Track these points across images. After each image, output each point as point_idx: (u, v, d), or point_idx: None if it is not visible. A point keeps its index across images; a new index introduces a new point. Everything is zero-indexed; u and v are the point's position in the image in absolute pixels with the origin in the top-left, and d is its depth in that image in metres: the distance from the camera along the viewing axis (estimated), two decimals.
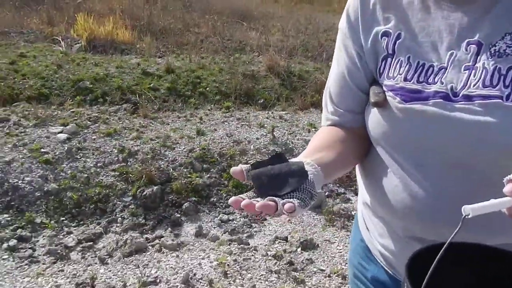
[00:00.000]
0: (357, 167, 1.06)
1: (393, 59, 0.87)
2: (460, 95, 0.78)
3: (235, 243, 3.18)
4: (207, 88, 5.29)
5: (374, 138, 0.93)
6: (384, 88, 0.88)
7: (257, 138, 4.27)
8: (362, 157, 1.00)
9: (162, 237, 3.22)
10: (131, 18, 7.30)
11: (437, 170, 0.83)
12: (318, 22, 8.44)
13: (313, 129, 4.59)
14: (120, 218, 3.34)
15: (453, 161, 0.82)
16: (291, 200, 0.69)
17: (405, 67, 0.84)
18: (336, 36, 1.01)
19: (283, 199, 0.69)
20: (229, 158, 3.94)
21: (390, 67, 0.87)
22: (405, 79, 0.84)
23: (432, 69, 0.81)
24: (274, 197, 0.69)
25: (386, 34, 0.88)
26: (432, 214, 0.85)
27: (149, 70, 5.44)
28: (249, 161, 3.88)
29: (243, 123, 4.62)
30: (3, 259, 2.86)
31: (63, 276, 2.71)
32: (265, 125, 4.57)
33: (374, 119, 0.90)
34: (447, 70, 0.80)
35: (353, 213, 3.56)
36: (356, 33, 0.93)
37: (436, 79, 0.81)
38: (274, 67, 5.88)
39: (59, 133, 3.91)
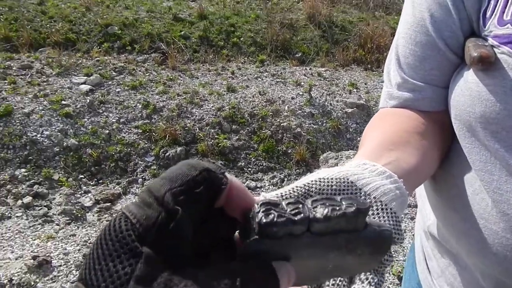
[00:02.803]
0: None
1: None
2: None
3: None
4: (241, 38, 4.91)
5: (463, 122, 0.57)
6: (493, 41, 0.54)
7: (292, 98, 3.92)
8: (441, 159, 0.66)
9: None
10: None
11: None
12: None
13: (355, 90, 4.19)
14: (140, 179, 3.16)
15: None
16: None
17: None
18: None
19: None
20: (260, 120, 3.64)
21: (507, 5, 0.53)
22: None
23: None
24: None
25: None
26: None
27: (181, 15, 5.08)
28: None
29: (278, 79, 4.26)
30: (17, 216, 2.75)
31: (73, 243, 2.57)
32: (302, 83, 4.20)
33: (470, 91, 0.55)
34: None
35: None
36: None
37: None
38: (315, 15, 5.40)
39: (82, 84, 3.69)
